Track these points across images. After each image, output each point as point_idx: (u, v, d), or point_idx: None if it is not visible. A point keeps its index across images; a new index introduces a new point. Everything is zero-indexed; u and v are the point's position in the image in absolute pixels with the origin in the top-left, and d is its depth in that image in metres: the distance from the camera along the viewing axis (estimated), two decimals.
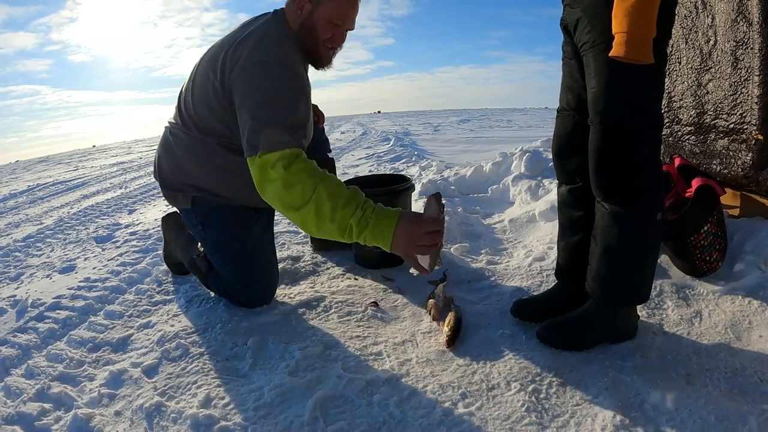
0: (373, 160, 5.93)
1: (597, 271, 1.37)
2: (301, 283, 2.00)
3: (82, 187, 5.78)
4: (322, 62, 1.63)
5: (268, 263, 1.82)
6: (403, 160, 5.90)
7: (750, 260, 1.68)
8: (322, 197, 1.28)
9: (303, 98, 1.50)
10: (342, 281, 1.99)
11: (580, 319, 1.41)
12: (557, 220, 1.61)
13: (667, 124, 2.22)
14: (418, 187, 3.29)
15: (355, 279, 2.00)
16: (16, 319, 1.81)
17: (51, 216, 3.94)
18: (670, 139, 2.19)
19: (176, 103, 1.77)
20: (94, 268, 2.39)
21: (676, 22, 2.03)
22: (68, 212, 4.04)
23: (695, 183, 1.71)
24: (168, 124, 1.78)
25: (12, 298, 2.03)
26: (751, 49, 1.71)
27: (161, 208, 3.89)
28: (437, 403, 1.21)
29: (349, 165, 5.79)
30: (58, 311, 1.86)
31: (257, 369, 1.40)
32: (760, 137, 1.72)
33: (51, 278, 2.29)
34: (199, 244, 1.92)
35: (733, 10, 1.77)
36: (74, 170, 8.42)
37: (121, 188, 5.35)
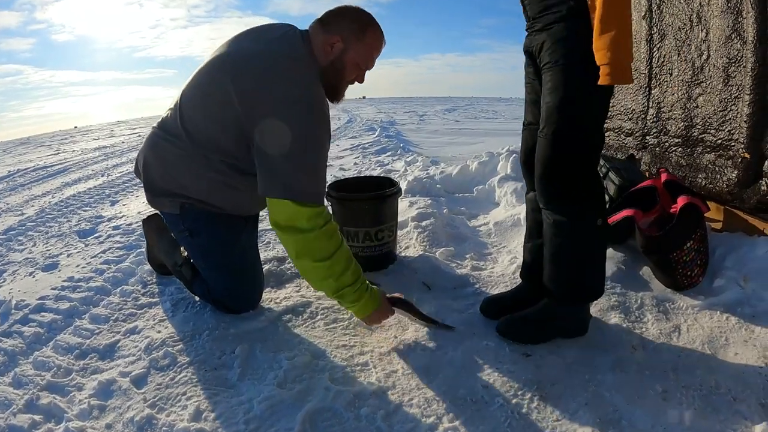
0: (358, 152, 5.91)
1: (548, 273, 1.51)
2: (287, 286, 2.01)
3: (63, 173, 5.68)
4: (339, 98, 1.65)
5: (255, 269, 1.82)
6: (389, 153, 5.88)
7: (730, 276, 1.73)
8: (341, 258, 1.47)
9: (329, 141, 1.56)
10: None
11: (535, 315, 1.55)
12: None
13: (655, 135, 2.25)
14: (403, 185, 3.28)
15: None
16: (1, 323, 1.78)
17: (32, 206, 3.88)
18: (657, 149, 2.22)
19: (172, 110, 1.66)
20: (77, 265, 2.36)
21: (669, 33, 2.07)
22: (49, 202, 3.97)
23: (681, 201, 1.73)
24: (158, 130, 1.68)
25: None
26: (744, 67, 1.73)
27: (144, 200, 3.84)
28: (423, 416, 1.24)
29: (335, 156, 5.75)
30: (42, 314, 1.84)
31: (246, 379, 1.41)
32: (747, 155, 1.75)
33: (34, 276, 2.26)
34: (182, 248, 1.90)
35: (728, 27, 1.78)
36: (55, 154, 8.25)
37: (103, 176, 5.27)
